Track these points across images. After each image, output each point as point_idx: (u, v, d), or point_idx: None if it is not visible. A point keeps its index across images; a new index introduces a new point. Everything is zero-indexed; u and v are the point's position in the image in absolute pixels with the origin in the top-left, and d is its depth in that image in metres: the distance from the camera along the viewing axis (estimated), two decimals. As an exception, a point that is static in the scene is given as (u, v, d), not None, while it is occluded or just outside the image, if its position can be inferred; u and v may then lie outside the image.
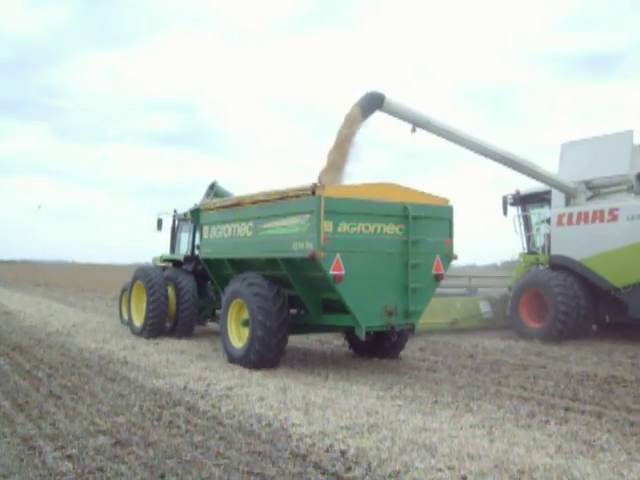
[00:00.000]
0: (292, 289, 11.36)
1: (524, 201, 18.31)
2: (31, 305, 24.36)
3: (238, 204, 12.60)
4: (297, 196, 10.92)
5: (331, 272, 10.34)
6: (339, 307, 10.94)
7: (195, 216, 14.61)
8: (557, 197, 16.97)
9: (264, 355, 11.01)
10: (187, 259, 16.38)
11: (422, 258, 11.31)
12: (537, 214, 18.29)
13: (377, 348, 12.50)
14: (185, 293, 15.22)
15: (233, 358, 11.59)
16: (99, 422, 7.44)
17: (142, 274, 15.56)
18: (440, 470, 5.89)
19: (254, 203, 12.02)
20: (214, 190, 15.92)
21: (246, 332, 11.37)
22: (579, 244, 16.15)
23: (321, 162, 13.43)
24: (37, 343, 13.87)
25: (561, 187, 16.73)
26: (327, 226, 10.41)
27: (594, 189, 16.67)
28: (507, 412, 8.18)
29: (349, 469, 5.94)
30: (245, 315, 11.49)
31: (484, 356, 12.87)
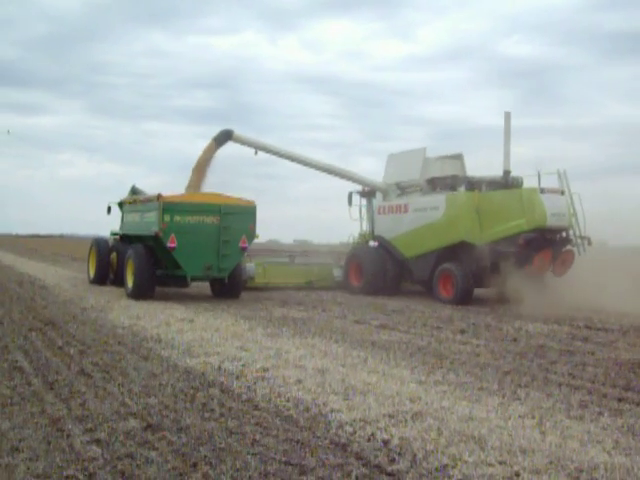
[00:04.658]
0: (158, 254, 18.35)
1: (367, 195, 24.27)
2: (67, 280, 24.30)
3: (135, 202, 20.19)
4: (152, 200, 18.21)
5: (168, 244, 17.39)
6: (178, 265, 17.82)
7: (119, 206, 21.86)
8: (378, 194, 23.50)
9: (140, 290, 17.98)
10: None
11: (231, 237, 18.02)
12: (373, 206, 24.05)
13: (224, 292, 19.10)
14: (121, 258, 20.40)
15: (127, 293, 18.51)
16: (130, 403, 7.16)
17: (95, 243, 22.82)
18: (491, 465, 5.50)
19: (140, 202, 19.63)
20: (132, 189, 22.28)
21: (131, 276, 18.33)
22: (388, 228, 22.37)
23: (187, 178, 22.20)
24: (71, 319, 13.68)
25: (376, 187, 23.50)
26: (166, 217, 17.40)
27: (402, 189, 22.57)
28: (557, 402, 7.73)
29: (393, 461, 5.58)
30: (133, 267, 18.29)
31: (528, 340, 12.41)
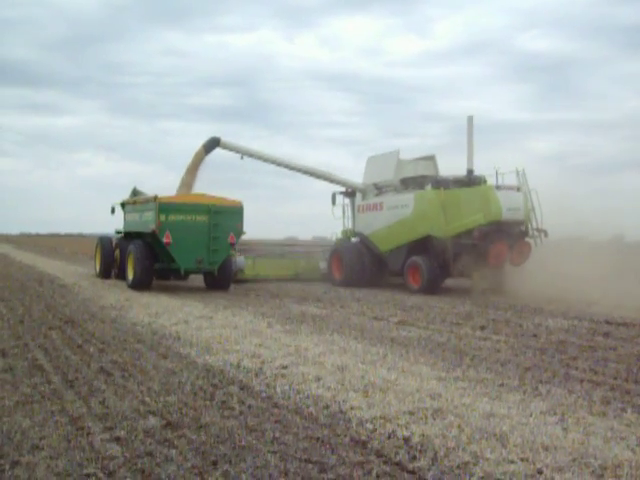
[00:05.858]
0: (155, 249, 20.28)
1: (349, 195, 26.16)
2: (86, 278, 24.39)
3: (135, 202, 22.26)
4: (150, 201, 20.20)
5: (164, 240, 19.36)
6: (173, 259, 19.72)
7: (122, 207, 23.71)
8: (358, 194, 25.44)
9: (140, 281, 20.05)
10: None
11: (220, 233, 19.98)
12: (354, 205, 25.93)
13: (215, 284, 21.16)
14: (123, 254, 22.12)
15: (129, 283, 20.53)
16: (149, 401, 7.15)
17: (99, 241, 25.17)
18: (513, 462, 5.43)
19: (139, 202, 21.67)
20: (133, 191, 24.10)
21: (132, 269, 20.36)
22: (367, 224, 24.33)
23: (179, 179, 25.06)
24: (90, 317, 13.73)
25: (356, 188, 25.55)
26: (161, 216, 19.34)
27: (379, 189, 24.44)
28: (579, 398, 7.64)
29: (414, 458, 5.53)
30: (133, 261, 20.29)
31: (548, 336, 12.30)
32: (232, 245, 20.56)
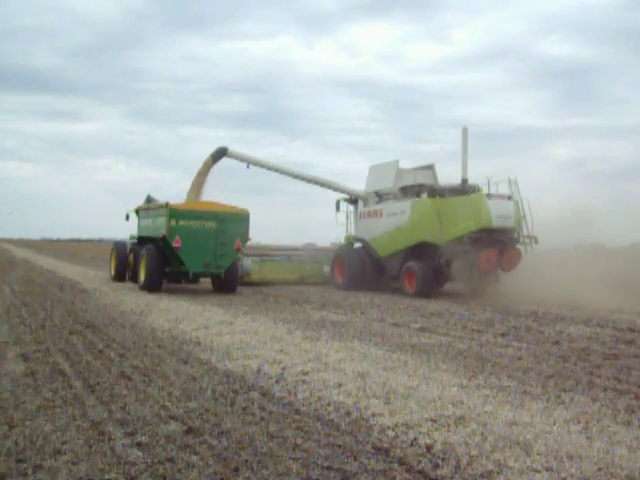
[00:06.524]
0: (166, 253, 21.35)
1: (353, 202, 27.13)
2: (106, 283, 24.50)
3: (148, 209, 23.28)
4: (161, 207, 21.34)
5: (174, 244, 20.50)
6: (182, 262, 20.90)
7: (136, 213, 24.42)
8: (360, 201, 26.51)
9: (151, 284, 21.16)
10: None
11: (226, 239, 21.09)
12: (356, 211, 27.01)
13: (222, 287, 22.18)
14: (134, 258, 23.65)
15: (140, 285, 21.77)
16: (170, 407, 7.14)
17: (114, 246, 26.29)
18: (537, 471, 5.37)
19: (152, 209, 22.71)
20: (147, 198, 25.02)
21: (144, 272, 21.54)
22: (368, 230, 25.40)
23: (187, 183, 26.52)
24: (111, 322, 13.77)
25: (358, 196, 26.62)
26: (172, 222, 20.50)
27: (380, 197, 25.29)
28: (603, 406, 7.56)
29: (436, 466, 5.47)
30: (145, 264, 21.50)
31: (570, 343, 12.20)
32: (238, 250, 21.72)
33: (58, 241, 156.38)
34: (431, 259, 22.04)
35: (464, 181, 22.77)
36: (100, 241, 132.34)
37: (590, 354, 11.07)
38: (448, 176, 24.13)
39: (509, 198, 21.73)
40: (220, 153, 26.73)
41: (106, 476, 5.16)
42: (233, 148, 26.99)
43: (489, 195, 21.70)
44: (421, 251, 22.48)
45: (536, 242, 21.79)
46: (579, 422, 6.86)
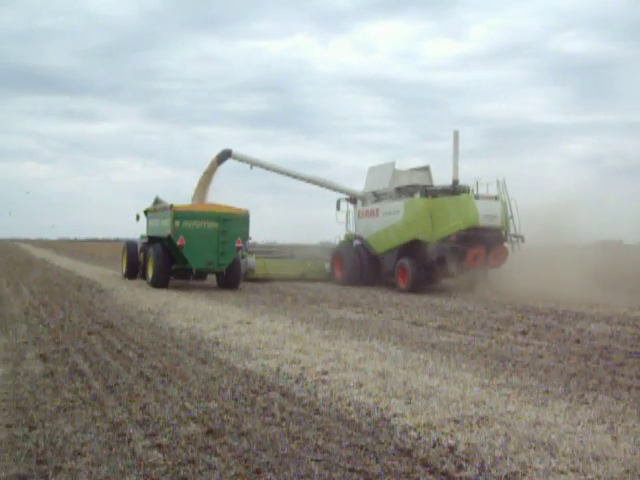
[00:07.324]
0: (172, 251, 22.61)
1: (353, 202, 28.49)
2: (124, 283, 24.56)
3: (155, 210, 24.75)
4: (167, 209, 22.54)
5: (177, 243, 21.70)
6: (186, 260, 22.18)
7: (145, 214, 25.78)
8: (358, 201, 28.00)
9: (158, 281, 22.48)
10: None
11: (228, 238, 22.19)
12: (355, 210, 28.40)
13: (225, 283, 23.44)
14: (145, 257, 24.74)
15: (148, 282, 23.21)
16: (190, 407, 7.10)
17: (126, 245, 27.37)
18: (563, 473, 5.28)
19: (159, 210, 24.12)
20: (155, 200, 25.92)
21: (151, 269, 22.97)
22: (365, 228, 26.66)
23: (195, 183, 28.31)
24: (129, 321, 13.77)
25: (356, 195, 28.14)
26: (176, 223, 21.74)
27: (378, 196, 26.72)
28: (627, 406, 7.45)
29: (460, 468, 5.40)
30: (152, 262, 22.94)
31: (592, 341, 12.08)
32: (239, 249, 22.94)
33: (75, 241, 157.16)
34: (422, 256, 23.26)
35: (455, 182, 24.07)
36: (117, 241, 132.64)
37: (612, 352, 10.95)
38: (461, 174, 24.78)
39: (496, 199, 22.92)
40: (225, 155, 28.43)
41: (126, 478, 5.12)
42: (237, 150, 28.70)
43: (477, 196, 22.92)
44: (414, 248, 23.69)
45: (522, 241, 22.89)
46: (604, 422, 6.76)
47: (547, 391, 8.09)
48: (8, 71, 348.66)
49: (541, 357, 10.46)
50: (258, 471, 5.26)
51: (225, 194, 33.35)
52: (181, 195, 29.35)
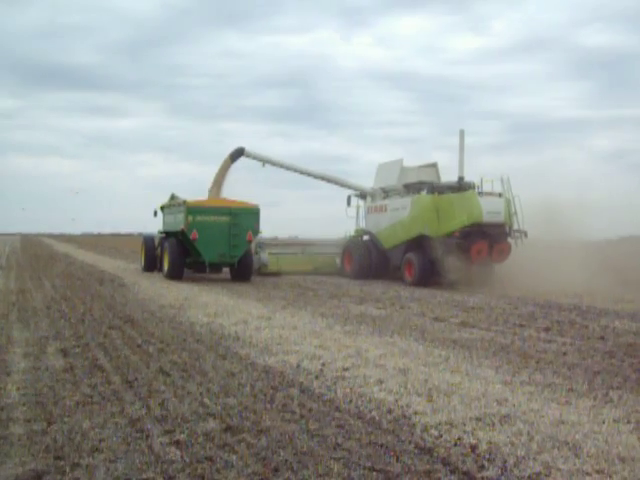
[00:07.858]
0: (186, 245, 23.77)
1: (363, 198, 29.10)
2: (145, 277, 24.64)
3: (170, 205, 26.05)
4: (181, 204, 23.84)
5: (191, 237, 22.83)
6: (200, 253, 23.21)
7: (162, 210, 27.16)
8: (368, 197, 28.67)
9: (173, 273, 23.72)
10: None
11: (239, 231, 23.19)
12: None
13: (237, 276, 24.37)
14: (161, 251, 25.91)
15: (164, 274, 24.38)
16: (209, 403, 7.05)
17: (144, 240, 28.65)
18: (588, 474, 5.17)
19: (174, 206, 25.31)
20: (171, 196, 26.85)
21: (167, 262, 24.16)
22: (374, 224, 27.33)
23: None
24: (149, 316, 13.77)
25: (366, 192, 28.75)
26: (189, 217, 22.83)
27: (386, 192, 27.36)
28: (653, 405, 7.32)
29: (482, 467, 5.30)
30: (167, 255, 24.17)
31: (616, 338, 11.90)
32: (249, 242, 23.96)
33: (99, 235, 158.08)
34: (428, 251, 23.66)
35: (460, 179, 24.57)
36: (140, 235, 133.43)
37: (638, 350, 10.78)
38: (477, 169, 25.44)
39: (500, 195, 23.46)
40: (238, 153, 29.52)
41: (144, 475, 5.08)
42: (250, 149, 29.69)
43: (480, 193, 23.69)
44: (420, 243, 24.21)
45: (526, 236, 23.32)
46: (629, 422, 6.63)
47: (571, 389, 7.97)
48: (33, 67, 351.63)
49: (564, 354, 10.31)
50: (276, 469, 5.20)
51: (248, 190, 35.73)
52: (204, 190, 29.51)
